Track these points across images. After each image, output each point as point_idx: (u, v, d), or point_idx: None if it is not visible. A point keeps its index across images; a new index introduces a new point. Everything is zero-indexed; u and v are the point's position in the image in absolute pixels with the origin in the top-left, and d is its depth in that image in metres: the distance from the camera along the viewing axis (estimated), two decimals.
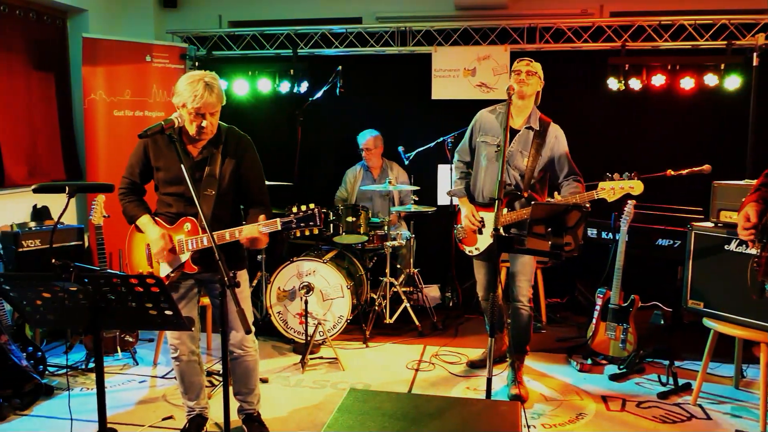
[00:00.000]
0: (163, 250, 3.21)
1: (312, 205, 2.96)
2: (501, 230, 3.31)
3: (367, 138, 6.08)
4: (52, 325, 2.45)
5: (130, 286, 2.21)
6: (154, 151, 3.26)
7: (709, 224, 4.11)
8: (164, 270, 3.29)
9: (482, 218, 4.16)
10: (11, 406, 3.89)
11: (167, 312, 2.29)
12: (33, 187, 2.59)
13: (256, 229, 3.05)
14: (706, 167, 4.64)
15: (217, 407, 3.71)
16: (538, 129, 4.03)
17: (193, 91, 3.02)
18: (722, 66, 5.63)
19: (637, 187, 3.64)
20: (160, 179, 3.30)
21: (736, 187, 4.02)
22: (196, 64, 6.44)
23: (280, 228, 2.96)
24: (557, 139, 4.07)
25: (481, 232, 4.18)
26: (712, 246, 4.01)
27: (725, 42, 5.73)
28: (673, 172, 4.75)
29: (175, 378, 4.44)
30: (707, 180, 4.31)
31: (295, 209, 2.98)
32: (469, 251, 4.29)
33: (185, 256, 3.24)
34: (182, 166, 2.82)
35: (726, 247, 3.94)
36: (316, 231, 2.97)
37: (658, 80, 5.78)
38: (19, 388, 3.93)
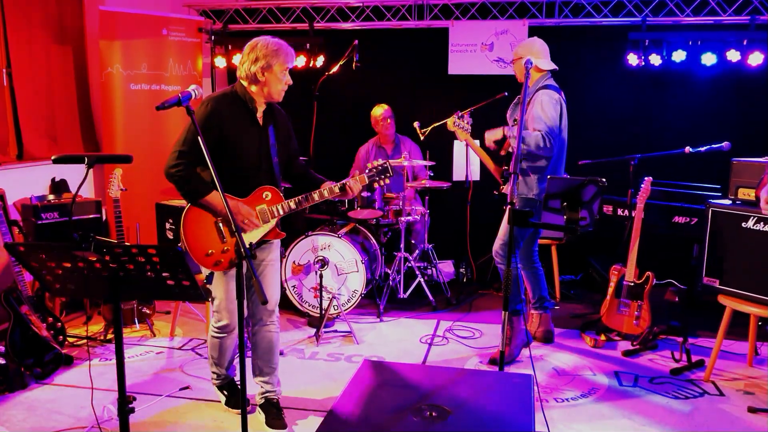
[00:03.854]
0: (250, 215, 3.22)
1: (381, 161, 3.44)
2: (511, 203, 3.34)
3: (385, 108, 6.14)
4: (73, 294, 2.49)
5: (149, 256, 2.24)
6: (226, 125, 3.18)
7: (727, 202, 4.08)
8: (246, 240, 3.24)
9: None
10: (32, 375, 3.98)
11: (184, 282, 2.32)
12: (53, 157, 2.62)
13: (359, 182, 3.38)
14: (726, 144, 4.59)
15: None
16: (527, 100, 4.21)
17: (286, 50, 3.24)
18: (745, 42, 5.53)
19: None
20: (234, 154, 3.21)
21: (755, 165, 3.98)
22: (212, 37, 6.43)
23: (367, 181, 3.41)
24: (533, 103, 4.23)
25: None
26: (730, 223, 3.98)
27: (749, 17, 5.62)
28: (691, 149, 4.71)
29: (191, 350, 4.53)
30: (726, 157, 4.27)
31: (369, 165, 3.43)
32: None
33: (271, 224, 3.31)
34: (259, 136, 3.09)
35: (743, 224, 3.91)
36: (388, 180, 3.45)
37: (679, 56, 5.69)
38: (40, 357, 4.01)
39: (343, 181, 3.37)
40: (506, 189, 4.39)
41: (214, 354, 3.59)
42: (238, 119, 3.22)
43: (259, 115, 3.30)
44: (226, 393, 3.67)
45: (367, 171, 3.42)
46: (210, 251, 3.22)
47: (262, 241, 3.37)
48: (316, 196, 3.32)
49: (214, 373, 3.67)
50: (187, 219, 3.24)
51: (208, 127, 3.10)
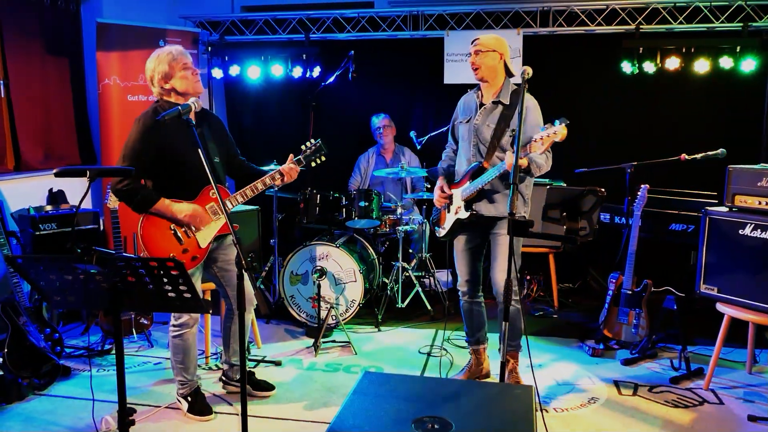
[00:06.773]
0: (203, 213, 3.45)
1: (314, 141, 3.69)
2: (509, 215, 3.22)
3: (383, 117, 6.17)
4: (72, 306, 2.49)
5: (150, 269, 2.23)
6: (165, 136, 3.36)
7: (724, 209, 4.09)
8: (204, 241, 3.51)
9: (450, 194, 3.99)
10: (30, 386, 3.96)
11: (186, 294, 2.31)
12: (55, 171, 2.61)
13: (295, 165, 3.62)
14: (721, 151, 4.61)
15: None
16: (507, 103, 3.82)
17: (174, 51, 3.42)
18: (738, 48, 5.57)
19: (560, 133, 3.27)
20: (175, 161, 3.41)
21: (750, 171, 4.00)
22: (209, 49, 6.45)
23: (304, 162, 3.66)
24: (526, 110, 3.66)
25: (448, 210, 4.04)
26: (727, 230, 3.99)
27: (741, 24, 5.66)
28: (687, 157, 4.72)
29: None
30: (722, 164, 4.29)
31: (304, 147, 3.66)
32: (438, 233, 4.12)
33: (223, 220, 3.52)
34: (196, 140, 2.99)
35: (740, 231, 3.92)
36: (324, 158, 3.70)
37: (673, 63, 5.73)
38: (38, 368, 3.99)
39: (280, 168, 3.64)
40: (447, 222, 4.02)
41: (178, 357, 3.67)
42: (173, 128, 3.29)
43: (194, 121, 3.40)
44: (190, 399, 3.71)
45: (302, 153, 3.68)
46: (171, 255, 3.39)
47: (218, 237, 3.60)
48: (260, 185, 3.56)
49: (180, 381, 3.72)
50: (144, 228, 3.42)
51: (146, 140, 3.33)
